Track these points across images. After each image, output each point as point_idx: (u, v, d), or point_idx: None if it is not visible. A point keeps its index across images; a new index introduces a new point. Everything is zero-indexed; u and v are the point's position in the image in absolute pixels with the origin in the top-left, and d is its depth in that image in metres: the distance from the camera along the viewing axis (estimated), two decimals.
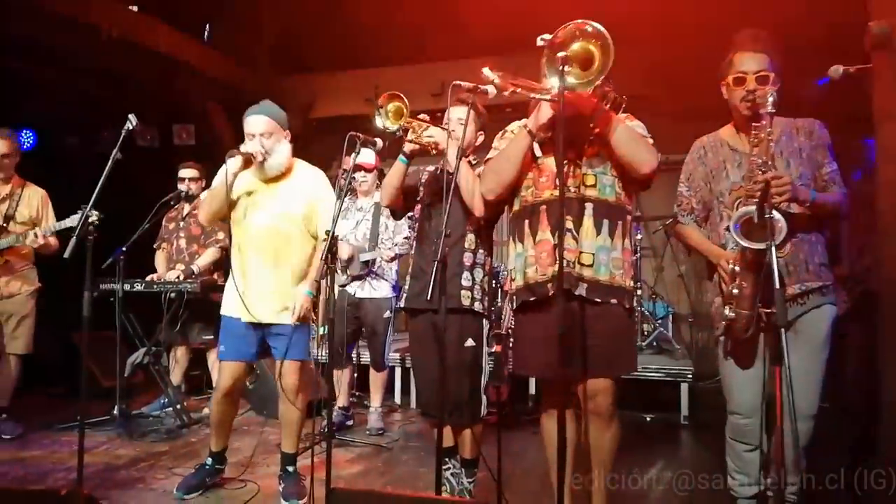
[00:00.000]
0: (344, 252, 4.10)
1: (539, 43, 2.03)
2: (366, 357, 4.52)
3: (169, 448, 3.87)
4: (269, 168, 2.98)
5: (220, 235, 4.48)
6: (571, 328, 2.18)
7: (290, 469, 3.09)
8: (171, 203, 4.56)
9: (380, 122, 2.59)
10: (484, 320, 2.72)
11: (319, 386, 4.08)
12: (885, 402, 2.84)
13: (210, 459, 3.17)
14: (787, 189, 2.11)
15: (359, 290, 4.27)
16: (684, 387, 4.61)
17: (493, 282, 2.93)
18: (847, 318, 3.11)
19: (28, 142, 6.08)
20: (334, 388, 4.26)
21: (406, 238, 4.14)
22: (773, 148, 2.19)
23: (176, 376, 4.71)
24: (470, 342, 2.67)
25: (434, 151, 2.68)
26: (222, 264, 4.46)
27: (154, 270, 4.60)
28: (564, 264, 2.05)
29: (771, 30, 2.32)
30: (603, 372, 2.27)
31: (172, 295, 4.26)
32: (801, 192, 2.20)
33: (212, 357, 4.69)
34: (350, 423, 4.42)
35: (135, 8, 4.86)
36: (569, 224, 2.22)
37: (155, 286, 4.31)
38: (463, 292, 2.66)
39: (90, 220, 2.69)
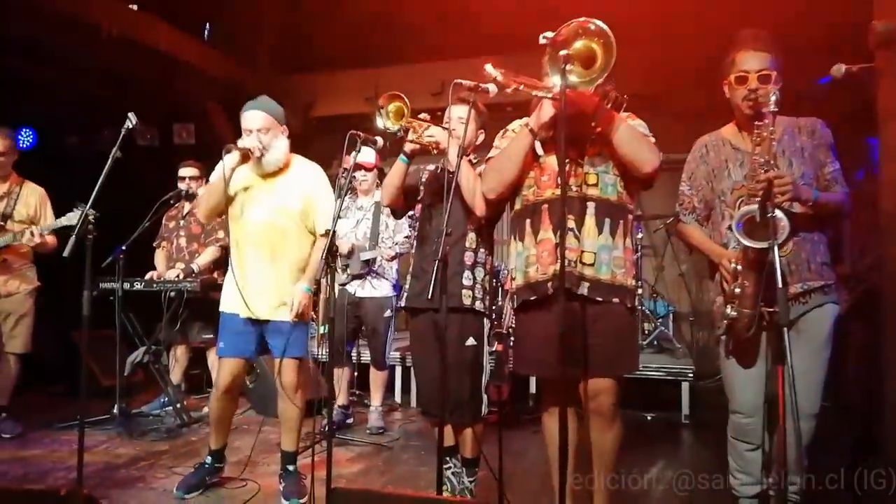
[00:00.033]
0: (344, 246, 4.09)
1: (542, 41, 2.02)
2: (366, 356, 4.52)
3: (169, 447, 3.86)
4: (267, 163, 2.97)
5: (221, 234, 4.47)
6: (573, 327, 2.17)
7: (291, 468, 3.08)
8: (172, 202, 4.55)
9: (381, 122, 2.59)
10: (485, 319, 2.72)
11: (320, 385, 4.08)
12: (888, 402, 2.83)
13: (210, 458, 3.16)
14: (789, 189, 2.10)
15: (359, 289, 4.26)
16: (685, 386, 4.61)
17: (494, 281, 2.92)
18: (848, 317, 3.11)
19: (28, 141, 6.08)
20: (334, 387, 4.26)
21: (406, 237, 4.13)
22: (776, 147, 2.19)
23: (176, 375, 4.70)
24: (471, 341, 2.66)
25: (435, 151, 2.68)
26: (222, 263, 4.45)
27: (154, 269, 4.59)
28: (566, 263, 2.04)
29: (773, 29, 2.31)
30: (605, 371, 2.26)
31: (172, 294, 4.25)
32: (803, 191, 2.19)
33: (212, 356, 4.68)
34: (350, 421, 4.42)
35: (135, 7, 4.85)
36: (571, 223, 2.21)
37: (155, 285, 4.30)
38: (464, 291, 2.65)
39: (79, 216, 2.69)
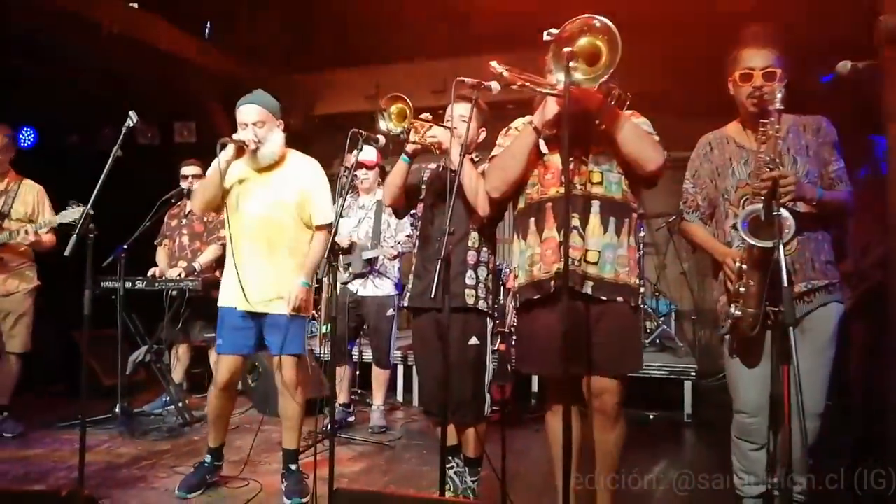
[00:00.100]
0: (343, 241, 4.07)
1: (546, 38, 2.00)
2: (367, 355, 4.51)
3: (171, 446, 3.86)
4: (262, 157, 2.97)
5: (223, 232, 4.46)
6: (576, 326, 2.16)
7: (293, 467, 3.08)
8: (173, 200, 4.55)
9: (383, 125, 2.58)
10: (488, 319, 2.71)
11: (322, 384, 4.07)
12: (892, 402, 2.82)
13: (209, 457, 3.16)
14: (792, 189, 2.09)
15: (361, 287, 4.25)
16: (687, 384, 4.60)
17: (496, 279, 2.91)
18: (850, 316, 3.10)
19: (28, 140, 6.07)
20: (336, 386, 4.25)
21: (408, 236, 4.12)
22: (781, 145, 2.18)
23: (177, 374, 4.70)
24: (474, 340, 2.65)
25: (437, 151, 2.67)
26: (224, 261, 4.45)
27: (155, 266, 4.58)
28: (569, 262, 2.03)
29: (780, 26, 2.30)
30: (609, 370, 2.25)
31: (174, 293, 4.25)
32: (807, 190, 2.18)
33: (213, 355, 4.64)
34: (351, 419, 4.41)
35: (135, 5, 4.84)
36: (575, 221, 2.20)
37: (156, 284, 4.30)
38: (467, 291, 2.64)
39: (80, 215, 2.68)
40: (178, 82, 5.73)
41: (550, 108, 2.17)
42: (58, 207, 4.13)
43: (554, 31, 2.00)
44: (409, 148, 2.62)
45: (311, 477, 2.61)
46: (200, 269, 4.41)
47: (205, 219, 4.59)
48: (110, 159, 2.69)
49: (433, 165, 2.90)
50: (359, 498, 2.14)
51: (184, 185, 4.55)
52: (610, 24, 1.97)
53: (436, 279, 2.14)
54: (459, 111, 2.60)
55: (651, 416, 4.69)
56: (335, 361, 3.81)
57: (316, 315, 4.87)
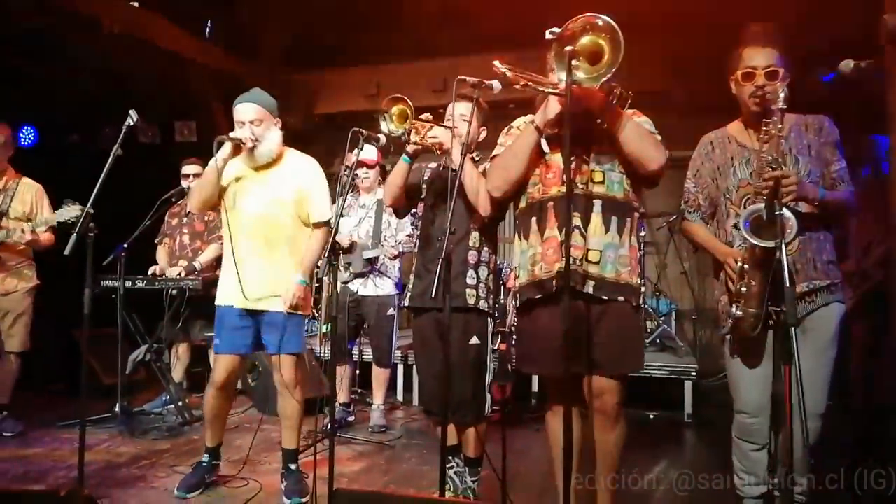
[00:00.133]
0: (343, 240, 4.07)
1: (548, 37, 1.99)
2: (367, 354, 4.50)
3: (171, 446, 3.86)
4: (260, 155, 2.97)
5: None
6: (577, 325, 2.15)
7: (293, 467, 3.07)
8: (174, 199, 4.55)
9: (385, 126, 2.57)
10: (488, 318, 2.70)
11: (322, 384, 4.07)
12: (893, 402, 2.81)
13: (207, 456, 3.15)
14: (794, 189, 2.08)
15: (362, 287, 4.25)
16: (688, 384, 4.60)
17: (497, 279, 2.90)
18: (850, 316, 3.10)
19: (29, 138, 6.07)
20: (336, 385, 4.25)
21: (409, 236, 4.12)
22: (783, 145, 2.17)
23: (177, 373, 4.69)
24: (475, 340, 2.65)
25: (438, 152, 2.66)
26: None
27: (156, 265, 4.58)
28: (571, 261, 2.02)
29: (782, 25, 2.29)
30: (609, 370, 2.24)
31: (174, 292, 4.24)
32: (809, 190, 2.18)
33: (213, 354, 4.67)
34: (351, 419, 4.41)
35: (136, 3, 4.83)
36: (576, 221, 2.19)
37: (157, 283, 4.29)
38: (468, 291, 2.64)
39: (75, 214, 2.67)
40: (179, 81, 5.73)
41: (552, 107, 2.17)
42: (57, 206, 4.13)
43: (556, 29, 1.99)
44: (410, 149, 2.61)
45: (311, 476, 2.61)
46: (201, 268, 4.41)
47: (205, 218, 4.59)
48: (111, 158, 2.68)
49: (434, 165, 2.89)
50: (359, 498, 2.14)
51: (184, 183, 4.54)
52: (612, 22, 1.96)
53: (436, 279, 2.13)
54: (460, 110, 2.60)
55: (651, 416, 4.69)
56: (335, 361, 3.80)
57: (316, 314, 4.86)
